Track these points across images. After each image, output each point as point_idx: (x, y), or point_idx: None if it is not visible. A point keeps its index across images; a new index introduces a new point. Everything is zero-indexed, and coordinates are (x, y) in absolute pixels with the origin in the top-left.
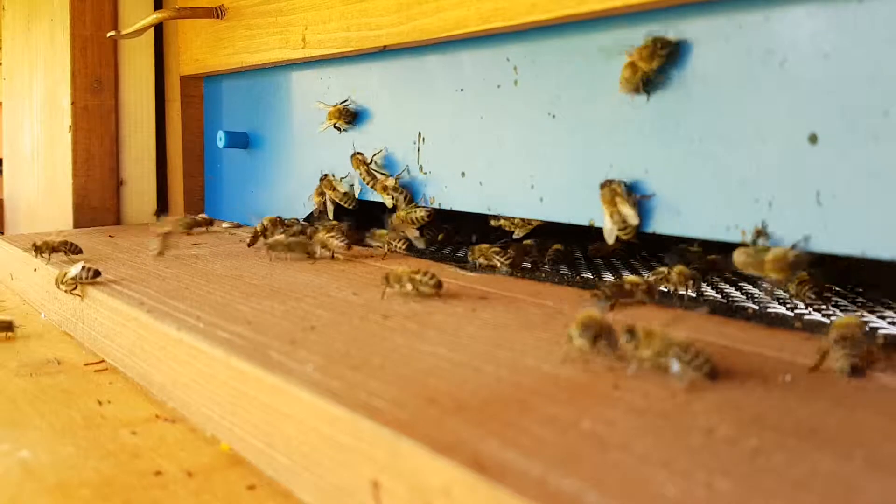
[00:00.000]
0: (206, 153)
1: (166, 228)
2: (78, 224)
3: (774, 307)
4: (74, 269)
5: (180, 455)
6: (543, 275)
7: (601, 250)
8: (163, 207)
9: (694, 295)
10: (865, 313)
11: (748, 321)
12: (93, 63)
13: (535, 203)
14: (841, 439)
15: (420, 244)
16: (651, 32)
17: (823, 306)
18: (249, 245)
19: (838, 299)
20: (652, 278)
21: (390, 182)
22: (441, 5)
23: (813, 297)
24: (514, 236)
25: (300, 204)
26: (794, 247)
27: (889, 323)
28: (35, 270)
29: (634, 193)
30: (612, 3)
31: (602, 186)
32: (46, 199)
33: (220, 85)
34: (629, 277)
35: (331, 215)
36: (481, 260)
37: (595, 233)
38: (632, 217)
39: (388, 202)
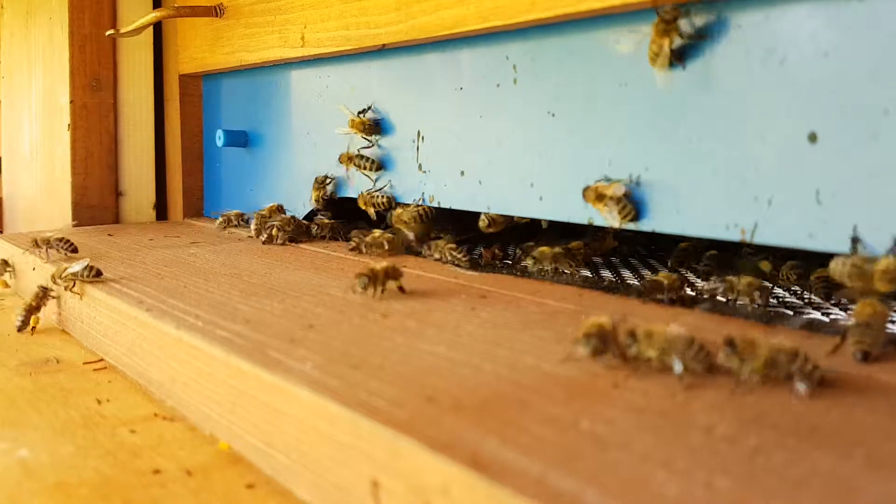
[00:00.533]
0: (205, 152)
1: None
2: (77, 222)
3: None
4: (76, 266)
5: (179, 454)
6: (543, 274)
7: (600, 248)
8: (161, 206)
9: (761, 305)
10: None
11: (747, 319)
12: (92, 61)
13: (535, 202)
14: (841, 438)
15: (412, 238)
16: (650, 31)
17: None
18: (264, 242)
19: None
20: (719, 288)
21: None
22: (440, 4)
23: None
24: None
25: (300, 202)
26: None
27: None
28: (34, 269)
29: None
30: (611, 1)
31: (584, 191)
32: (45, 197)
33: (219, 83)
34: (663, 274)
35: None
36: (436, 255)
37: (594, 231)
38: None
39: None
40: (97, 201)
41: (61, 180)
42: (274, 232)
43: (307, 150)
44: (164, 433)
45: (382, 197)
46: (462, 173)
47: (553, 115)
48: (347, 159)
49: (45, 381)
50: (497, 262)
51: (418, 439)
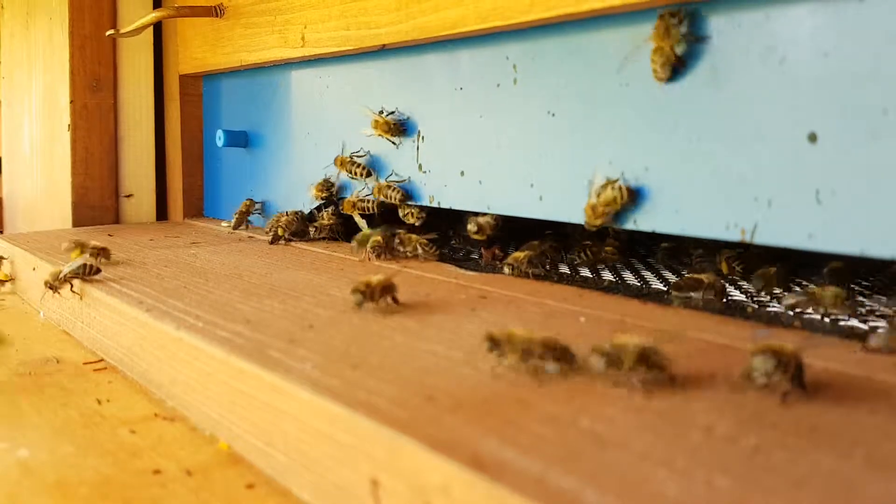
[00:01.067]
0: (206, 152)
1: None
2: (77, 223)
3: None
4: (74, 265)
5: (179, 454)
6: (544, 274)
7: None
8: (162, 206)
9: (842, 316)
10: None
11: (747, 320)
12: (92, 62)
13: (535, 202)
14: (840, 438)
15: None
16: (650, 31)
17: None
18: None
19: None
20: (803, 299)
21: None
22: (440, 4)
23: None
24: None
25: (300, 202)
26: None
27: None
28: (34, 269)
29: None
30: (612, 1)
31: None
32: (45, 198)
33: (219, 84)
34: (700, 275)
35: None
36: (409, 250)
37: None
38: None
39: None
40: (97, 201)
41: (61, 180)
42: (280, 231)
43: (307, 150)
44: (165, 433)
45: (370, 202)
46: (462, 173)
47: (553, 114)
48: (341, 163)
49: (45, 380)
50: (497, 262)
51: (418, 439)
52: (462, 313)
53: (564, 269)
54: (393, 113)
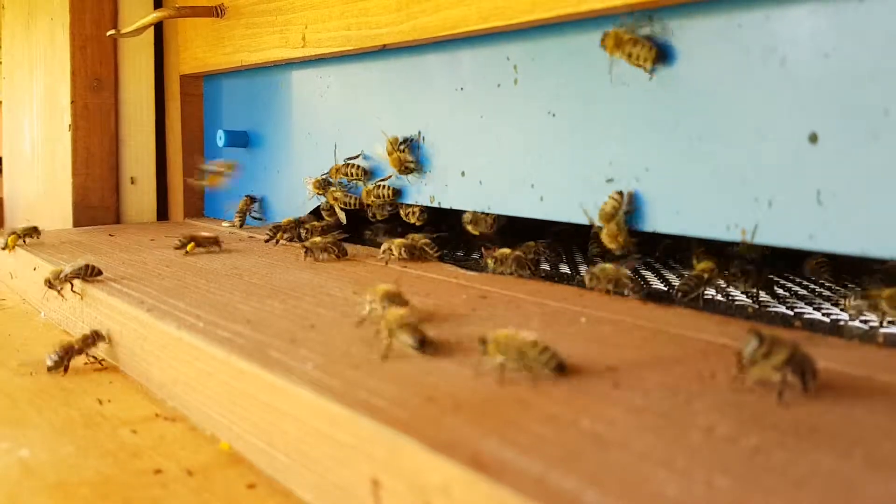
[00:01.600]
0: (206, 152)
1: None
2: (78, 223)
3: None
4: (76, 264)
5: (180, 454)
6: (544, 274)
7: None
8: (162, 206)
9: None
10: None
11: (748, 320)
12: (93, 62)
13: (535, 202)
14: (840, 438)
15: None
16: (651, 31)
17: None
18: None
19: None
20: (864, 303)
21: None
22: (441, 4)
23: None
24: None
25: (300, 202)
26: None
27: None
28: (35, 269)
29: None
30: (613, 2)
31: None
32: (46, 197)
33: (219, 84)
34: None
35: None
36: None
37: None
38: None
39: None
40: (98, 201)
41: (62, 180)
42: (279, 235)
43: (308, 150)
44: (165, 433)
45: (387, 188)
46: (463, 174)
47: (553, 115)
48: (336, 171)
49: (45, 380)
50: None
51: (419, 439)
52: (463, 314)
53: (565, 268)
54: (409, 141)
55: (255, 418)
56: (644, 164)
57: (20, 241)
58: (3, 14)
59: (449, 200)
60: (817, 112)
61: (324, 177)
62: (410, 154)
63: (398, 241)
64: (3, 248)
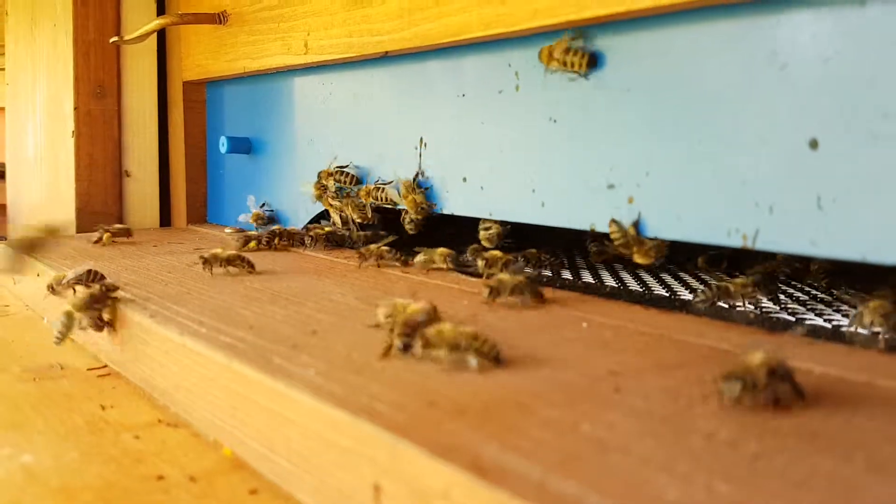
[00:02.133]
0: (209, 158)
1: None
2: (81, 229)
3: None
4: (78, 270)
5: (183, 459)
6: (546, 280)
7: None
8: (165, 212)
9: None
10: None
11: (749, 325)
12: (96, 68)
13: (537, 208)
14: (841, 442)
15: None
16: (653, 38)
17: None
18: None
19: None
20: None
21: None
22: (443, 11)
23: None
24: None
25: (302, 209)
26: None
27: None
28: (38, 275)
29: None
30: (613, 8)
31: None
32: (49, 203)
33: (222, 90)
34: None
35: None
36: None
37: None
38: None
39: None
40: (101, 207)
41: (65, 186)
42: (252, 244)
43: (310, 157)
44: (168, 439)
45: (386, 192)
46: (464, 180)
47: (554, 121)
48: (328, 175)
49: (48, 386)
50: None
51: (420, 444)
52: (464, 318)
53: (566, 274)
54: (429, 189)
55: (257, 424)
56: (645, 169)
57: (112, 240)
58: (7, 20)
59: (450, 206)
60: (818, 117)
61: (321, 181)
62: (426, 198)
63: (440, 250)
64: (97, 242)
